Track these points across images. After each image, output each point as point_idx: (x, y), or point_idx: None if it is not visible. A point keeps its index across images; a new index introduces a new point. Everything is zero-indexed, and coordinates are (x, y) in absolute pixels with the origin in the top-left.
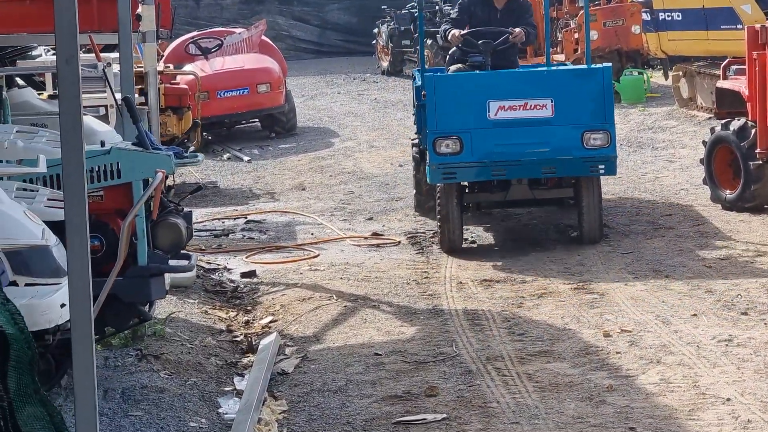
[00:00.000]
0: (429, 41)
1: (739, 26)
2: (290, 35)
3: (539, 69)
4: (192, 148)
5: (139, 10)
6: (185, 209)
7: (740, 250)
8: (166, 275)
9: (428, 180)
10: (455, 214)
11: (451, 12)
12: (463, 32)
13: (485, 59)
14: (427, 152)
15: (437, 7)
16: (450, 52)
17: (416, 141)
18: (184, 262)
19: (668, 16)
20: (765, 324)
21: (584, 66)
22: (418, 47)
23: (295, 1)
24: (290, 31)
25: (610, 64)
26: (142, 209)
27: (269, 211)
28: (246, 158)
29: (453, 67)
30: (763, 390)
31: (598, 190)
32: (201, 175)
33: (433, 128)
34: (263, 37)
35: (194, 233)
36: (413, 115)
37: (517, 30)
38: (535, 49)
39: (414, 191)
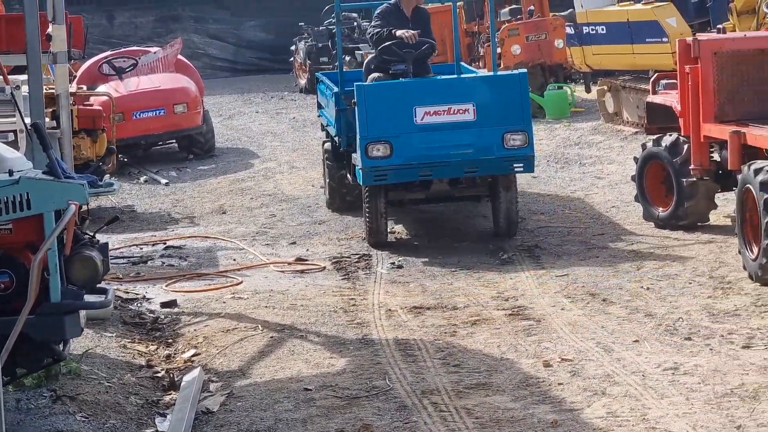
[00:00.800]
0: (347, 58)
1: (665, 39)
2: (206, 53)
3: (462, 76)
4: (107, 174)
5: (50, 30)
6: (101, 241)
7: (677, 269)
8: (82, 312)
9: (360, 182)
10: (381, 211)
11: (369, 26)
12: (387, 43)
13: (408, 67)
14: (359, 156)
15: (355, 24)
16: (366, 62)
17: (328, 143)
18: (101, 298)
19: (592, 29)
20: (711, 350)
21: (503, 72)
22: (336, 62)
23: (211, 18)
24: (206, 49)
25: (525, 70)
26: (55, 242)
27: (189, 237)
28: (164, 181)
29: (373, 76)
30: (715, 423)
31: (515, 186)
32: (117, 199)
33: (365, 134)
34: (179, 56)
35: (111, 261)
36: (318, 116)
37: (429, 43)
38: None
39: (327, 193)
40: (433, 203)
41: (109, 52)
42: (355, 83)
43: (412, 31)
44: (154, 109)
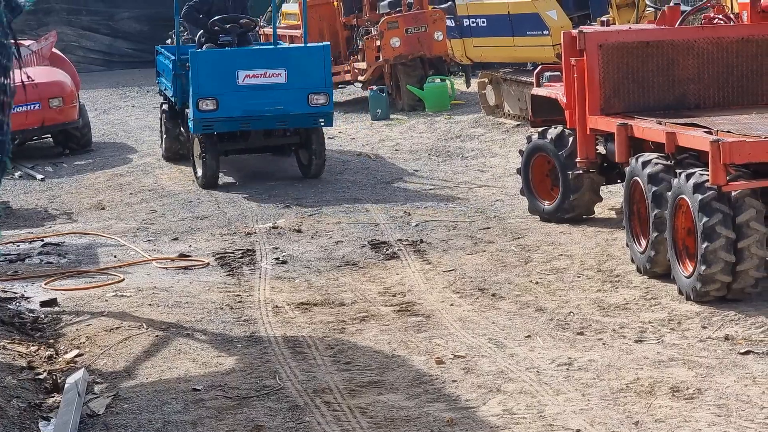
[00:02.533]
0: None
1: (545, 32)
2: (80, 46)
3: (276, 47)
4: None
5: None
6: None
7: (565, 263)
8: None
9: (192, 130)
10: (213, 157)
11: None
12: (215, 19)
13: (233, 39)
14: (191, 110)
15: None
16: (198, 35)
17: (166, 105)
18: None
19: (473, 22)
20: (603, 344)
21: (310, 45)
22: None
23: (84, 10)
24: (79, 41)
25: (328, 42)
26: None
27: (68, 233)
28: (39, 176)
29: (206, 45)
30: (612, 419)
31: (322, 138)
32: None
33: (196, 91)
34: (54, 50)
35: None
36: (156, 83)
37: (249, 19)
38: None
39: (163, 147)
40: (253, 152)
41: None
42: (189, 50)
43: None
44: (29, 104)
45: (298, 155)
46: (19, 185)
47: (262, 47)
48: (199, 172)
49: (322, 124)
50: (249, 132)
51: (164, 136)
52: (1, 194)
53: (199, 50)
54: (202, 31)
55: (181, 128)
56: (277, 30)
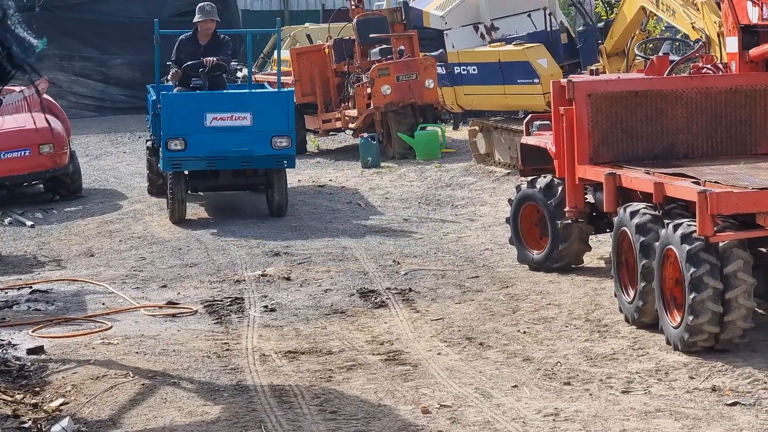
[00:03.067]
0: None
1: (536, 81)
2: (72, 91)
3: (241, 91)
4: None
5: None
6: None
7: (553, 312)
8: None
9: (161, 168)
10: (182, 195)
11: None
12: (179, 69)
13: (204, 82)
14: (162, 148)
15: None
16: (166, 78)
17: (150, 142)
18: None
19: (464, 70)
20: (590, 395)
21: (275, 90)
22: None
23: (77, 56)
24: (71, 87)
25: (293, 88)
26: None
27: (56, 280)
28: (29, 223)
29: (178, 88)
30: None
31: (285, 178)
32: None
33: (166, 131)
34: (45, 95)
35: None
36: (146, 120)
37: (214, 59)
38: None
39: (147, 181)
40: (222, 190)
41: None
42: (161, 93)
43: (178, 70)
44: (19, 149)
45: (267, 194)
46: (8, 232)
47: (229, 92)
48: (168, 208)
49: (285, 165)
50: (218, 171)
51: (147, 171)
52: None
53: (169, 93)
54: (170, 63)
55: (158, 165)
56: (270, 76)
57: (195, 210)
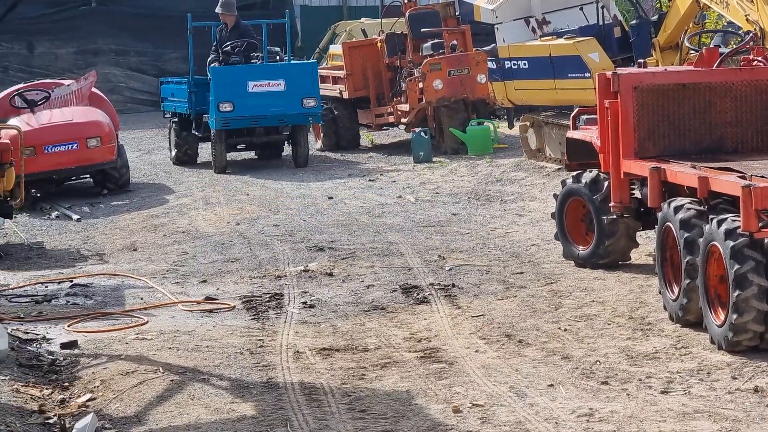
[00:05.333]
0: None
1: (587, 75)
2: (127, 87)
3: (277, 63)
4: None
5: None
6: None
7: (596, 310)
8: None
9: (212, 127)
10: (223, 149)
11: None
12: (225, 47)
13: (241, 59)
14: (213, 111)
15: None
16: (209, 60)
17: (174, 120)
18: None
19: (514, 64)
20: (627, 395)
21: (301, 62)
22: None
23: (132, 51)
24: (127, 82)
25: (315, 60)
26: None
27: (97, 274)
28: (75, 217)
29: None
30: None
31: (306, 133)
32: (27, 235)
33: (217, 97)
34: (93, 89)
35: (14, 299)
36: (162, 110)
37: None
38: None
39: (173, 151)
40: (255, 148)
41: (21, 85)
42: (210, 67)
43: (231, 44)
44: (66, 143)
45: (293, 150)
46: (54, 225)
47: (266, 63)
48: (213, 161)
49: (312, 121)
50: (253, 129)
51: (174, 143)
52: (36, 234)
53: (218, 66)
54: (211, 57)
55: (190, 134)
56: (324, 70)
57: (240, 204)
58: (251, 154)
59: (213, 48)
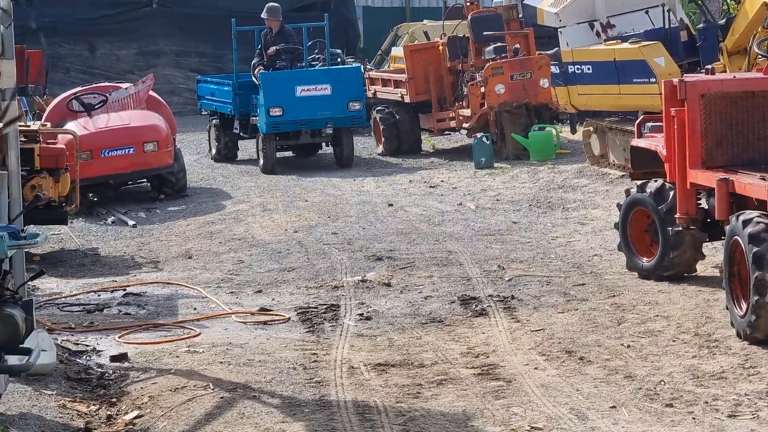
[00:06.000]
0: None
1: (653, 80)
2: (187, 88)
3: (323, 68)
4: (70, 215)
5: None
6: (25, 298)
7: (661, 325)
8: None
9: (262, 131)
10: (272, 150)
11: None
12: (267, 54)
13: (287, 64)
14: (262, 115)
15: (339, 60)
16: (253, 63)
17: (214, 119)
18: (24, 359)
19: (578, 69)
20: (693, 419)
21: (346, 66)
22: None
23: (193, 52)
24: (188, 84)
25: (359, 65)
26: None
27: (150, 283)
28: (131, 222)
29: (257, 70)
30: None
31: (351, 135)
32: (82, 241)
33: (267, 102)
34: (151, 92)
35: (66, 308)
36: (199, 107)
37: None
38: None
39: (213, 150)
40: (301, 150)
41: (78, 89)
42: (260, 73)
43: (274, 48)
44: (123, 147)
45: (335, 151)
46: (110, 231)
47: (312, 69)
48: (262, 162)
49: (358, 123)
50: (299, 132)
51: (216, 142)
52: (91, 240)
53: (268, 72)
54: (256, 60)
55: (231, 133)
56: (385, 74)
57: (299, 211)
58: (292, 154)
59: (257, 52)
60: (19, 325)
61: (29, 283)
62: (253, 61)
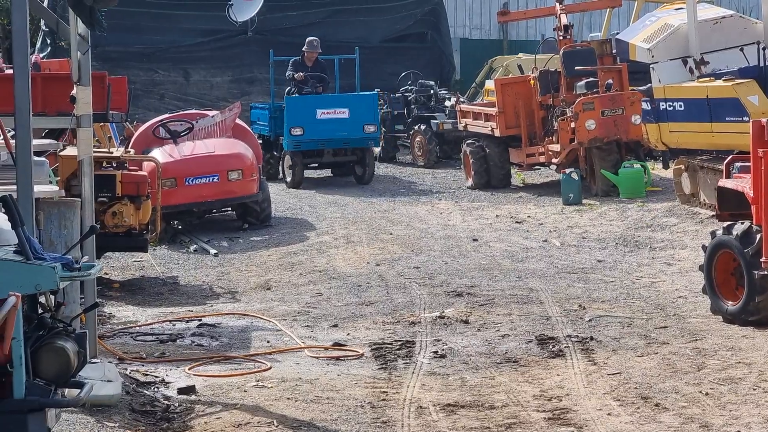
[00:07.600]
0: (423, 127)
1: (746, 119)
2: None
3: (341, 94)
4: (150, 242)
5: (74, 91)
6: (78, 330)
7: (742, 372)
8: (52, 410)
9: (285, 148)
10: (300, 167)
11: (291, 73)
12: (301, 76)
13: (314, 90)
14: (285, 134)
15: (432, 91)
16: (287, 90)
17: (260, 139)
18: (75, 393)
19: (669, 106)
20: None
21: (362, 93)
22: (409, 130)
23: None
24: None
25: (376, 91)
26: (20, 330)
27: (226, 314)
28: (213, 251)
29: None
30: None
31: (372, 155)
32: (163, 269)
33: (290, 122)
34: (238, 120)
35: (139, 337)
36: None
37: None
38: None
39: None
40: (325, 167)
41: (165, 116)
42: (285, 96)
43: (301, 73)
44: (208, 175)
45: (355, 169)
46: (192, 260)
47: (331, 94)
48: (289, 178)
49: (372, 145)
50: (322, 151)
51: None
52: (172, 268)
53: (291, 96)
54: (289, 88)
55: (272, 154)
56: (476, 107)
57: (383, 243)
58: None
59: (289, 73)
60: (71, 359)
61: (105, 311)
62: (287, 89)
